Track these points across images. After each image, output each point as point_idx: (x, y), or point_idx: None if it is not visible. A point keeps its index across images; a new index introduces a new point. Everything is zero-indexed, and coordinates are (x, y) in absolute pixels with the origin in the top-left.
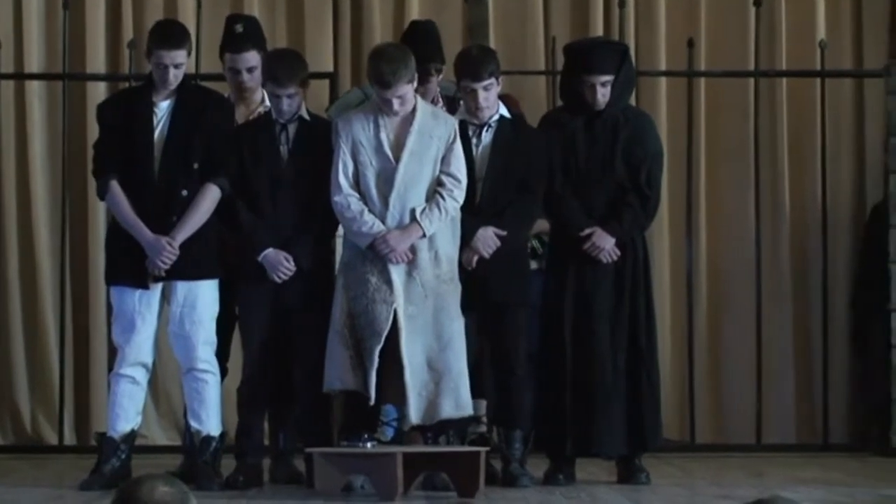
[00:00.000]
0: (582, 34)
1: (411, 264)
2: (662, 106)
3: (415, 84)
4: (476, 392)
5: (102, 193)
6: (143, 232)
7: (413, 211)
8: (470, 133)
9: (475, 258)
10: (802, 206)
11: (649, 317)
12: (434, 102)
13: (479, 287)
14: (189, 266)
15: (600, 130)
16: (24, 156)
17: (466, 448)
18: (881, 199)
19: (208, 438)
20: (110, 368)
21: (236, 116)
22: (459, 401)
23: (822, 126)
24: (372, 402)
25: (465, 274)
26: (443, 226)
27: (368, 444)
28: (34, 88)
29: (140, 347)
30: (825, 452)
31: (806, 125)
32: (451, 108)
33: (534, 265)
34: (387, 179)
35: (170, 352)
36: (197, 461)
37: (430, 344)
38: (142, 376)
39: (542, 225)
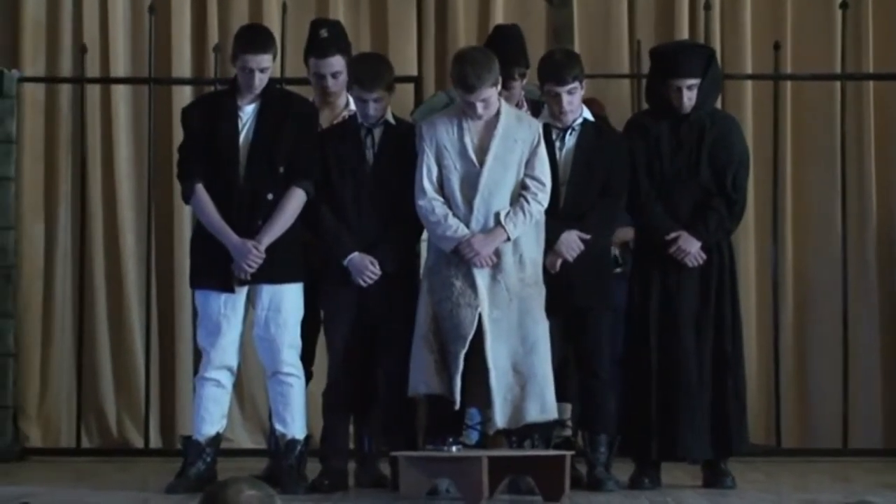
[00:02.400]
0: (667, 37)
1: (496, 268)
2: (748, 109)
3: (499, 88)
4: (561, 396)
5: (187, 197)
6: (230, 235)
7: (497, 214)
8: (553, 137)
9: (559, 262)
10: (889, 209)
11: (735, 320)
12: (518, 106)
13: (563, 291)
14: (274, 269)
15: (686, 134)
16: (109, 160)
17: (551, 452)
18: None
19: (293, 442)
20: (195, 372)
21: (321, 120)
22: (545, 404)
23: None
24: (457, 405)
25: (549, 278)
26: (527, 229)
27: (453, 448)
28: (120, 92)
29: (225, 351)
30: None
31: (893, 128)
32: (536, 111)
33: (616, 271)
34: (471, 183)
35: (255, 355)
36: (282, 464)
37: (514, 347)
38: (227, 380)
39: (625, 234)
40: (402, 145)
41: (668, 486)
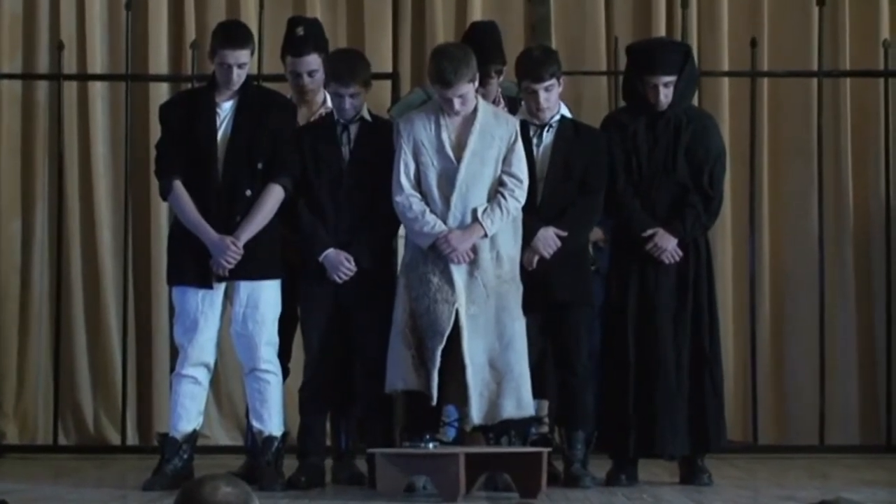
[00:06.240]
0: (644, 34)
1: (473, 264)
2: (725, 106)
3: (476, 84)
4: (538, 392)
5: (165, 194)
6: (208, 232)
7: (475, 211)
8: (531, 133)
9: (536, 258)
10: (866, 206)
11: (712, 317)
12: (495, 103)
13: (541, 287)
14: (252, 266)
15: (662, 131)
16: (86, 156)
17: (528, 448)
18: None
19: (270, 438)
20: (172, 369)
21: (298, 118)
22: (521, 401)
23: (885, 126)
24: (433, 402)
25: (527, 274)
26: (504, 226)
27: (430, 445)
28: (97, 89)
29: (202, 348)
30: (889, 454)
31: (869, 125)
32: (513, 108)
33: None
34: (448, 179)
35: (232, 352)
36: (259, 461)
37: (491, 344)
38: (204, 376)
39: (594, 233)
40: (379, 142)
41: (645, 483)
